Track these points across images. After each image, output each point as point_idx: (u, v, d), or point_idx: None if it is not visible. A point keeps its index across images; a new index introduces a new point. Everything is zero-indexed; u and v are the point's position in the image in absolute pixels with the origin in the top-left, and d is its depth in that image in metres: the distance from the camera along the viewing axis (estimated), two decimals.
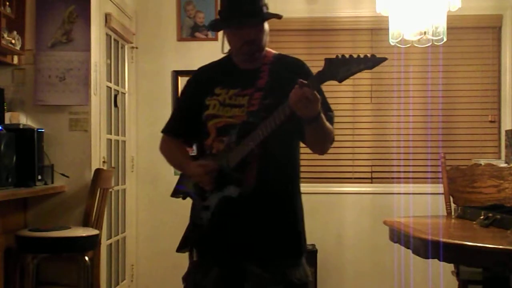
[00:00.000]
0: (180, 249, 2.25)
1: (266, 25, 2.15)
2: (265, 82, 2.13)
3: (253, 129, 2.03)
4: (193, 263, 2.23)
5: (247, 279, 2.15)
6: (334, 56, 1.89)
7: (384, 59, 1.86)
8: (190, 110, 2.24)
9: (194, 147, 2.34)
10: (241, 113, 2.10)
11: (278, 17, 2.13)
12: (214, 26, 2.23)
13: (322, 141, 2.15)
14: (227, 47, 2.23)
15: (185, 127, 2.28)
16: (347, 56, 1.87)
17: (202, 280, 2.19)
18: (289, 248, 2.16)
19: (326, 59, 1.90)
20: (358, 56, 1.86)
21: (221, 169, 2.09)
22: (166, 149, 2.35)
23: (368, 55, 1.86)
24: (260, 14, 2.10)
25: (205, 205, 2.15)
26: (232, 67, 2.21)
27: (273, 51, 2.25)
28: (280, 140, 2.09)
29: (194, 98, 2.24)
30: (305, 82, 1.90)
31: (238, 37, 2.11)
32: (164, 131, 2.35)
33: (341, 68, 1.88)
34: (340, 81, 1.92)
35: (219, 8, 2.19)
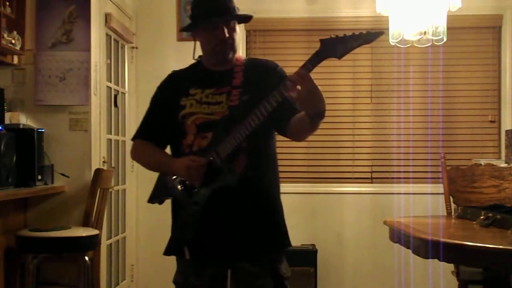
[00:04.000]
0: (169, 251, 2.25)
1: (238, 27, 2.21)
2: (240, 80, 2.18)
3: (237, 122, 2.07)
4: (185, 263, 2.22)
5: (235, 275, 2.20)
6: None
7: (381, 32, 1.88)
8: (164, 112, 2.26)
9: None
10: (221, 109, 2.15)
11: (249, 17, 2.24)
12: (188, 27, 2.27)
13: (310, 133, 2.18)
14: (197, 54, 2.29)
15: (159, 129, 2.28)
16: (341, 35, 1.91)
17: (197, 281, 2.20)
18: (276, 242, 2.22)
19: (321, 40, 1.95)
20: (353, 33, 1.89)
21: (210, 163, 2.10)
22: (141, 154, 2.33)
23: (364, 31, 1.89)
24: (232, 13, 2.17)
25: (195, 200, 2.15)
26: (204, 70, 2.26)
27: (243, 57, 2.32)
28: (263, 133, 2.14)
29: (167, 100, 2.26)
30: (300, 69, 1.94)
31: (212, 37, 2.16)
32: (136, 136, 2.34)
33: (338, 45, 1.91)
34: (340, 57, 1.93)
35: (190, 12, 2.25)
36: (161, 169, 2.28)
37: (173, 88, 2.28)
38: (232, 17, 2.18)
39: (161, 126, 2.28)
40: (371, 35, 1.88)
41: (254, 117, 2.02)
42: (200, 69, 2.27)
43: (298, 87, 1.93)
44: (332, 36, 1.91)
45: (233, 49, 2.20)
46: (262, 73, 2.19)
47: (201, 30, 2.21)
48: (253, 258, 2.16)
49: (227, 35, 2.15)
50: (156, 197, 2.30)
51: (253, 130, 2.04)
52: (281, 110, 2.04)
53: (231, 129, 2.08)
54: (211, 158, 2.10)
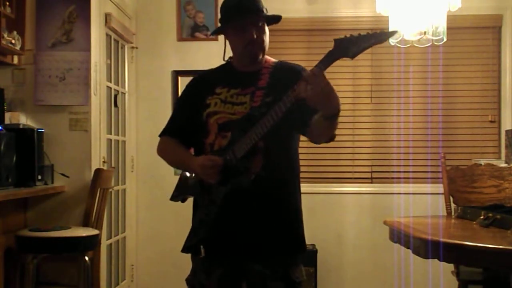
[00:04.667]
0: (186, 249, 2.23)
1: (267, 28, 2.22)
2: (266, 82, 2.18)
3: (255, 122, 2.06)
4: (198, 262, 2.23)
5: (248, 277, 2.18)
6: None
7: (395, 32, 1.94)
8: (190, 110, 2.26)
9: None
10: (244, 109, 2.15)
11: (278, 18, 2.23)
12: (218, 30, 2.27)
13: (329, 135, 2.12)
14: (227, 56, 2.29)
15: (185, 126, 2.29)
16: (355, 34, 1.88)
17: (206, 280, 2.20)
18: (291, 245, 2.19)
19: (335, 39, 1.91)
20: (367, 33, 1.88)
21: (226, 163, 2.10)
22: (166, 150, 2.35)
23: (377, 31, 1.88)
24: (260, 13, 2.18)
25: (212, 199, 2.16)
26: (233, 70, 2.27)
27: (273, 59, 2.30)
28: (282, 134, 2.14)
29: (194, 99, 2.26)
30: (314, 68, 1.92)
31: (241, 38, 2.17)
32: (163, 133, 2.36)
33: (351, 45, 1.89)
34: (353, 57, 1.91)
35: (219, 16, 2.26)
36: (182, 167, 2.31)
37: (200, 87, 2.29)
38: (259, 17, 2.18)
39: (187, 124, 2.28)
40: (384, 34, 1.87)
41: (269, 117, 2.02)
42: (228, 69, 2.29)
43: (310, 86, 1.90)
44: (346, 35, 1.89)
45: (262, 49, 2.21)
46: (287, 76, 2.17)
47: (231, 32, 2.21)
48: (265, 260, 2.15)
49: (255, 36, 2.16)
50: (178, 195, 2.30)
51: (268, 130, 2.03)
52: (300, 111, 2.03)
53: (248, 129, 2.08)
54: (228, 157, 2.10)
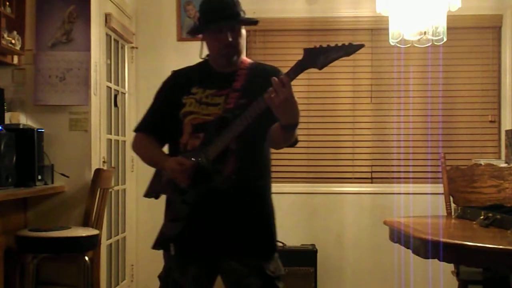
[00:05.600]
0: (157, 245, 2.27)
1: (243, 30, 2.26)
2: (241, 84, 2.22)
3: (228, 124, 2.10)
4: (171, 259, 2.25)
5: (224, 274, 2.24)
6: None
7: (361, 45, 1.91)
8: (167, 108, 2.29)
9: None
10: (218, 110, 2.18)
11: (254, 22, 2.27)
12: (195, 30, 2.31)
13: (287, 143, 2.19)
14: (204, 53, 2.33)
15: (161, 125, 2.32)
16: (324, 45, 1.94)
17: (180, 278, 2.23)
18: (264, 243, 2.24)
19: (305, 49, 1.97)
20: (336, 44, 1.93)
21: (198, 165, 2.12)
22: (141, 147, 2.37)
23: (346, 43, 1.92)
24: (238, 18, 2.21)
25: (183, 199, 2.19)
26: (209, 70, 2.30)
27: (249, 60, 2.34)
28: (256, 136, 2.17)
29: (171, 97, 2.29)
30: (281, 76, 1.97)
31: (218, 40, 2.21)
32: (139, 129, 2.38)
33: (320, 56, 1.94)
34: (321, 68, 1.96)
35: (198, 15, 2.29)
36: (156, 166, 2.33)
37: (177, 85, 2.31)
38: (237, 22, 2.21)
39: (163, 123, 2.30)
40: (352, 47, 1.91)
41: (242, 120, 2.06)
42: (205, 69, 2.31)
43: (275, 94, 1.95)
44: (316, 46, 1.94)
45: (237, 52, 2.24)
46: (263, 78, 2.18)
47: (208, 33, 2.25)
48: (241, 257, 2.19)
49: (230, 39, 2.19)
50: (152, 192, 2.34)
51: (240, 133, 2.07)
52: (266, 116, 2.07)
53: (222, 131, 2.11)
54: (199, 159, 2.13)
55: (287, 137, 2.10)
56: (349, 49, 1.91)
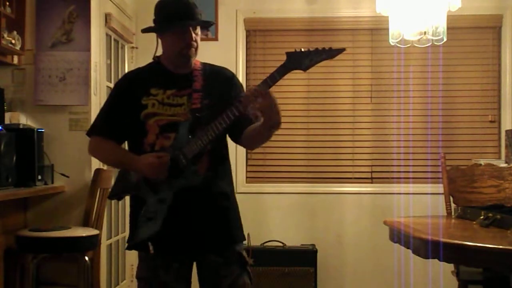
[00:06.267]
0: (132, 246, 2.30)
1: (200, 32, 2.33)
2: (201, 84, 2.28)
3: (202, 125, 2.18)
4: (151, 258, 2.27)
5: (203, 267, 2.31)
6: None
7: (343, 49, 2.05)
8: (123, 110, 2.30)
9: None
10: (183, 111, 2.24)
11: (211, 24, 2.43)
12: (154, 29, 2.33)
13: (263, 143, 2.33)
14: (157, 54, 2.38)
15: (118, 127, 2.32)
16: (305, 49, 2.06)
17: (165, 276, 2.26)
18: (237, 234, 2.36)
19: (287, 52, 2.08)
20: (317, 48, 2.05)
21: (174, 159, 2.18)
22: (101, 150, 2.39)
23: (326, 47, 2.05)
24: (199, 18, 2.30)
25: (161, 198, 2.22)
26: (165, 71, 2.33)
27: (199, 61, 2.39)
28: (223, 137, 2.29)
29: (127, 99, 2.30)
30: (267, 80, 2.08)
31: (180, 40, 2.25)
32: (94, 132, 2.37)
33: (303, 59, 2.06)
34: (305, 69, 2.08)
35: (154, 16, 2.33)
36: (122, 166, 2.35)
37: (133, 87, 2.32)
38: (203, 22, 2.33)
39: (121, 124, 2.31)
40: (334, 51, 2.03)
41: (221, 121, 2.13)
42: (161, 70, 2.34)
43: (259, 100, 2.05)
44: (297, 49, 2.05)
45: (195, 53, 2.30)
46: (220, 81, 2.33)
47: (168, 34, 2.28)
48: (217, 250, 2.28)
49: (195, 39, 2.25)
50: (115, 194, 2.37)
51: (217, 134, 2.15)
52: (237, 120, 2.15)
53: (195, 131, 2.18)
54: (177, 154, 2.18)
55: (269, 136, 2.20)
56: (331, 53, 2.04)
